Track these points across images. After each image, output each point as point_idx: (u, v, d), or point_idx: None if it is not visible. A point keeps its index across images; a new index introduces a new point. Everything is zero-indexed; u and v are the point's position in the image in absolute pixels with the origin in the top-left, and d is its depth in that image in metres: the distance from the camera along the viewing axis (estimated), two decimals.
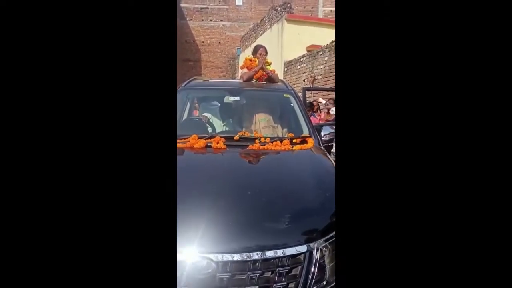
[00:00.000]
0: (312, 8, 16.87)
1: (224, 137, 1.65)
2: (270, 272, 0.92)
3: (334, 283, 0.96)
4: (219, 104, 2.28)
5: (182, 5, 16.76)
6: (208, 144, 1.58)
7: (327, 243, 0.99)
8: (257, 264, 0.91)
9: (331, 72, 6.51)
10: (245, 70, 2.35)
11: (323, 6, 16.55)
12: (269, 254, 0.92)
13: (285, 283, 0.92)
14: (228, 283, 0.89)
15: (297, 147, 1.63)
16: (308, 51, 7.92)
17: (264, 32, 10.51)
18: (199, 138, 1.60)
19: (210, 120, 2.19)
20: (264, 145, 1.61)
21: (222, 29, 17.22)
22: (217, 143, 1.57)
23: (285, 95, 2.18)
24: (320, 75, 6.94)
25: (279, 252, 0.93)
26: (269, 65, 2.41)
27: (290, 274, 0.93)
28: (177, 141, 1.58)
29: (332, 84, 6.26)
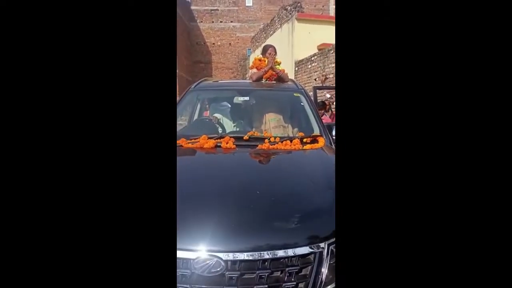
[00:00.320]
0: (323, 6, 16.76)
1: (233, 137, 1.66)
2: (279, 272, 0.91)
3: None
4: (229, 105, 2.29)
5: (192, 7, 16.94)
6: (218, 144, 1.58)
7: None
8: (266, 263, 0.90)
9: None
10: (255, 70, 2.35)
11: (334, 4, 16.39)
12: (279, 253, 0.91)
13: (295, 283, 0.91)
14: (237, 282, 0.89)
15: (308, 146, 1.62)
16: (319, 49, 7.86)
17: (274, 32, 10.49)
18: (208, 138, 1.61)
19: (220, 120, 2.20)
20: (274, 144, 1.60)
21: (232, 30, 17.31)
22: (227, 143, 1.58)
23: (295, 94, 2.16)
24: (332, 73, 6.87)
25: (290, 252, 0.92)
26: (279, 64, 2.40)
27: (300, 274, 0.92)
28: (187, 141, 1.60)
29: None
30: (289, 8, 9.38)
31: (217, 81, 2.67)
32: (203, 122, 2.22)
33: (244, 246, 0.92)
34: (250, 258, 0.90)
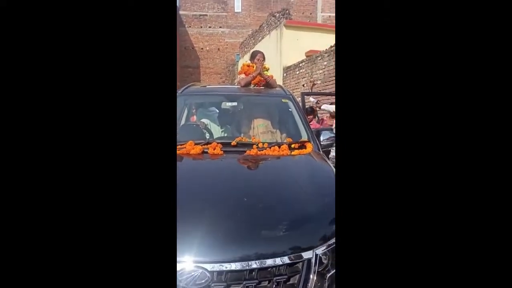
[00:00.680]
0: (310, 13, 16.99)
1: (221, 143, 1.63)
2: (267, 282, 0.89)
3: None
4: (217, 111, 2.27)
5: (181, 12, 16.90)
6: (205, 150, 1.56)
7: (326, 250, 0.96)
8: (253, 273, 0.88)
9: (330, 77, 6.51)
10: (243, 75, 2.34)
11: (321, 12, 16.66)
12: (268, 262, 0.89)
13: None
14: None
15: (296, 152, 1.61)
16: (307, 56, 7.94)
17: (263, 38, 10.56)
18: (195, 144, 1.59)
19: (208, 126, 2.17)
20: (262, 150, 1.59)
21: (221, 35, 17.33)
22: (214, 149, 1.56)
23: (283, 100, 2.16)
24: (319, 80, 6.94)
25: (278, 261, 0.90)
26: (267, 70, 2.40)
27: (288, 283, 0.91)
28: None
29: (331, 88, 6.26)
30: (278, 15, 9.47)
31: (205, 86, 2.64)
32: (190, 128, 2.19)
33: (231, 256, 0.89)
34: (237, 268, 0.87)
